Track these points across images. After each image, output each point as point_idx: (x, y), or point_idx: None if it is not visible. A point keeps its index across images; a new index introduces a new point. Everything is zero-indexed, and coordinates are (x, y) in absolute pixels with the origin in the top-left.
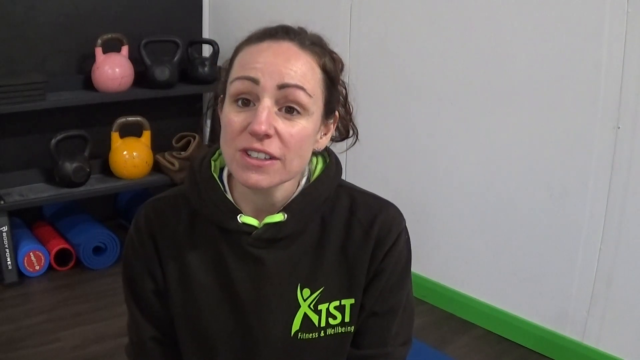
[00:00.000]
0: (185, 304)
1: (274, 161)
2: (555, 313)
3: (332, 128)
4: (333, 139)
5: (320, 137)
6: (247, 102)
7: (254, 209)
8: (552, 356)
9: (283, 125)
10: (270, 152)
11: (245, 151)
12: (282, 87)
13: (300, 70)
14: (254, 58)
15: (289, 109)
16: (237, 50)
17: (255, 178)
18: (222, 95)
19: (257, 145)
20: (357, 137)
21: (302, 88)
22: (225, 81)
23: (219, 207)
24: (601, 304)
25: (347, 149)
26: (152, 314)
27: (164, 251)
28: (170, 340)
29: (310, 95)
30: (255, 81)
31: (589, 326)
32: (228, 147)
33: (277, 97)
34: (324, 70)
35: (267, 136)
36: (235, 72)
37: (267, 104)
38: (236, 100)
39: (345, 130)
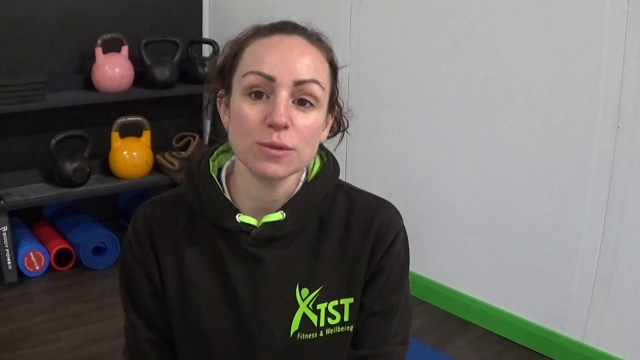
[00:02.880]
0: (183, 304)
1: (290, 151)
2: (555, 313)
3: (331, 122)
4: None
5: (323, 130)
6: (260, 94)
7: (253, 207)
8: (552, 356)
9: (298, 116)
10: (287, 145)
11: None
12: (299, 83)
13: (314, 64)
14: (267, 52)
15: (302, 101)
16: (244, 43)
17: (273, 167)
18: (222, 90)
19: (275, 139)
20: (345, 130)
21: (317, 82)
22: (229, 76)
23: (218, 206)
24: (601, 304)
25: (337, 144)
26: (149, 316)
27: (162, 252)
28: (167, 342)
29: (323, 88)
30: (271, 79)
31: (589, 326)
32: (243, 140)
33: (293, 91)
34: (331, 64)
35: (285, 127)
36: (247, 65)
37: (284, 96)
38: (249, 94)
39: (338, 124)
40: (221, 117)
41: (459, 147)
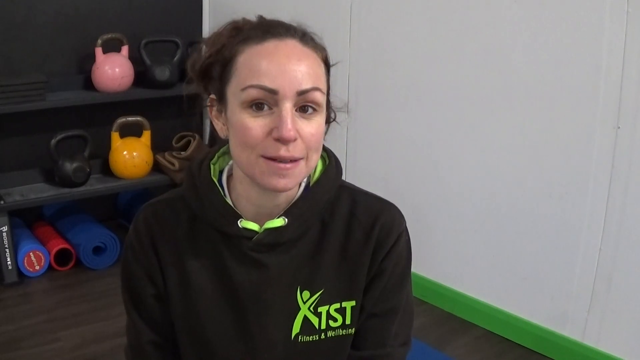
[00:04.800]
0: (185, 308)
1: (299, 162)
2: (555, 313)
3: (326, 115)
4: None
5: None
6: (261, 105)
7: (254, 212)
8: (552, 356)
9: (303, 125)
10: (297, 156)
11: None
12: (302, 93)
13: (313, 70)
14: (264, 62)
15: (305, 108)
16: (235, 50)
17: (283, 182)
18: (212, 97)
19: (284, 153)
20: (334, 118)
21: (318, 89)
22: (222, 85)
23: (219, 211)
24: (601, 304)
25: (326, 132)
26: (152, 318)
27: (164, 255)
28: (170, 344)
29: (324, 93)
30: (273, 92)
31: (589, 326)
32: (248, 154)
33: (296, 101)
34: (325, 63)
35: (294, 139)
36: (244, 78)
37: (289, 108)
38: (250, 106)
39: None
40: (214, 124)
41: (459, 146)
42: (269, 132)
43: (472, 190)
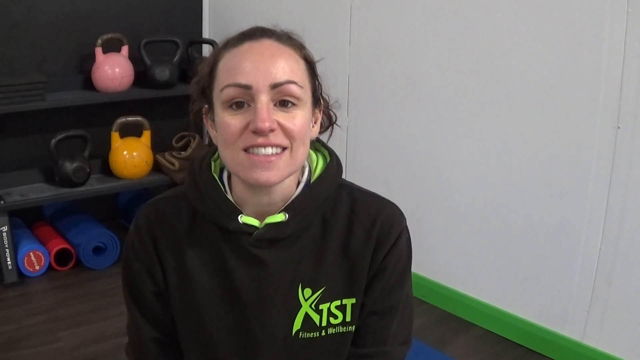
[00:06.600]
0: (186, 304)
1: (283, 153)
2: (555, 313)
3: (320, 116)
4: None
5: (312, 126)
6: (241, 104)
7: (254, 209)
8: (552, 356)
9: (282, 118)
10: (278, 143)
11: (249, 150)
12: (275, 86)
13: (287, 64)
14: (240, 61)
15: (284, 102)
16: (217, 57)
17: (265, 175)
18: (206, 106)
19: (261, 140)
20: (334, 124)
21: (293, 82)
22: (210, 91)
23: (220, 207)
24: (601, 304)
25: (329, 138)
26: (152, 314)
27: (165, 252)
28: (171, 341)
29: (301, 87)
30: (247, 87)
31: (589, 326)
32: (230, 150)
33: (272, 95)
34: (306, 60)
35: (271, 130)
36: (223, 79)
37: (264, 101)
38: (230, 105)
39: (328, 118)
40: (209, 132)
41: (459, 146)
42: (247, 126)
43: (472, 190)
